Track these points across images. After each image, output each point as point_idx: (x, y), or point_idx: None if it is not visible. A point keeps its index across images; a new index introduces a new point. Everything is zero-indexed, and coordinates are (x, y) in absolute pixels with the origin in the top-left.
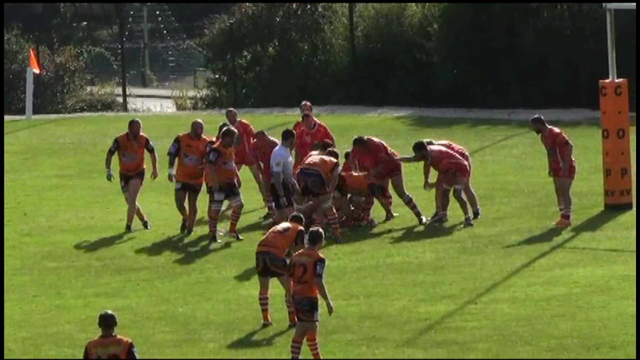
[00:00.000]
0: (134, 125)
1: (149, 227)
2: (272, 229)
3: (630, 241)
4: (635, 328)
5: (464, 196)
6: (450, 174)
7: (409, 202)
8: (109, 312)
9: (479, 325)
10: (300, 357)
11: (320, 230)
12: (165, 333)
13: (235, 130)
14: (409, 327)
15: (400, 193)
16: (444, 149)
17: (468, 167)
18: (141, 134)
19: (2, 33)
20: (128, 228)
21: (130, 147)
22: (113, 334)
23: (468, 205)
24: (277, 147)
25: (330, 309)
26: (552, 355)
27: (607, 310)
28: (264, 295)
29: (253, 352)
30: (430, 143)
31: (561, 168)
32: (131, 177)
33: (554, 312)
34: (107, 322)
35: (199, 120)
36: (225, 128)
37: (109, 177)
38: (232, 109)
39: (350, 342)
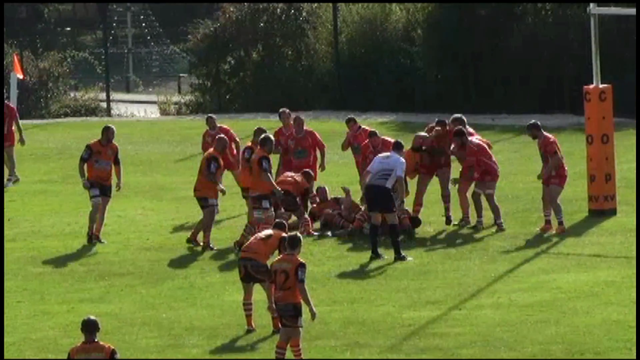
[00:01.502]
0: (109, 131)
1: (102, 241)
2: (255, 235)
3: (614, 247)
4: (636, 331)
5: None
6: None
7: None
8: (92, 317)
9: (463, 331)
10: None
11: (299, 234)
12: (149, 338)
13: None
14: (393, 333)
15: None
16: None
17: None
18: (113, 142)
19: (2, 34)
20: (96, 238)
21: (103, 153)
22: (96, 340)
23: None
24: (397, 155)
25: (313, 315)
26: None
27: (591, 316)
28: (248, 301)
29: (237, 357)
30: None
31: (551, 176)
32: (105, 188)
33: (538, 318)
34: (89, 327)
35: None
36: (263, 135)
37: (86, 186)
38: (212, 115)
39: (334, 347)
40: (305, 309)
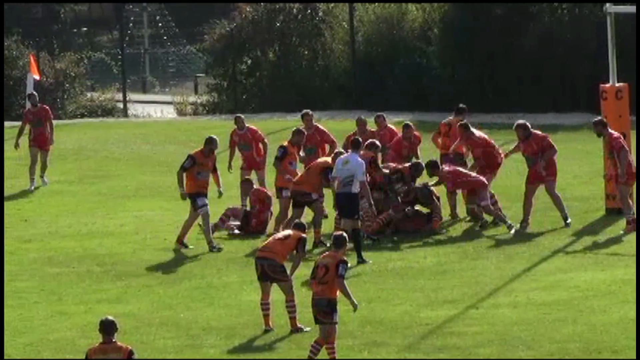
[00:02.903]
0: (213, 143)
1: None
2: (273, 235)
3: (631, 245)
4: (636, 331)
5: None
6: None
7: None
8: (110, 318)
9: (481, 330)
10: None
11: (344, 234)
12: (167, 339)
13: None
14: (411, 332)
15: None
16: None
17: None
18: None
19: (2, 34)
20: (182, 243)
21: (205, 165)
22: (113, 340)
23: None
24: (356, 157)
25: (354, 307)
26: (554, 359)
27: (608, 314)
28: (266, 301)
29: (254, 357)
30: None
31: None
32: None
33: (555, 317)
34: (107, 328)
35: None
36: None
37: (185, 197)
38: (240, 115)
39: (352, 347)
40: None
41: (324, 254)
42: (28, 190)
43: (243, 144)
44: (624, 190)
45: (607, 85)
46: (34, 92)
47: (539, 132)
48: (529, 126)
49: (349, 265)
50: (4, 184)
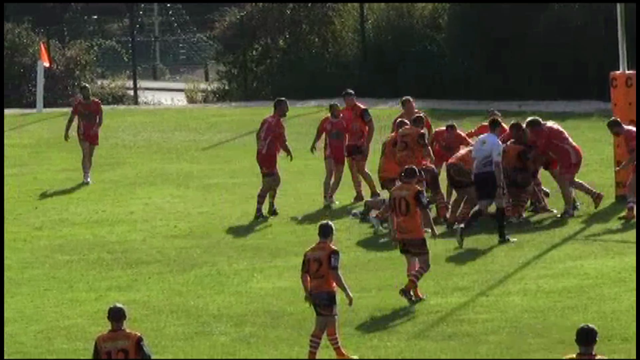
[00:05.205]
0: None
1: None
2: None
3: None
4: (636, 321)
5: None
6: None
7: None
8: (118, 305)
9: (491, 318)
10: (317, 354)
11: (330, 222)
12: (177, 326)
13: None
14: (421, 320)
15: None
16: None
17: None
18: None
19: (2, 32)
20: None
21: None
22: (122, 328)
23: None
24: (494, 137)
25: (350, 300)
26: (564, 347)
27: (618, 302)
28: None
29: (265, 345)
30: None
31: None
32: None
33: (565, 304)
34: (116, 315)
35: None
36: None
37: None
38: (336, 103)
39: (362, 334)
40: (339, 296)
41: (312, 247)
42: (84, 183)
43: (335, 132)
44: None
45: (617, 72)
46: (87, 85)
47: (631, 129)
48: (618, 123)
49: (340, 255)
50: (3, 181)
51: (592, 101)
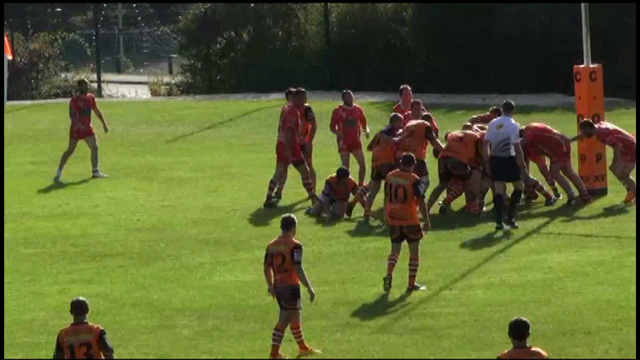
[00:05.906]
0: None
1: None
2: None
3: (605, 226)
4: (636, 321)
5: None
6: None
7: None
8: (80, 298)
9: (454, 311)
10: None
11: (293, 215)
12: (140, 319)
13: None
14: (384, 313)
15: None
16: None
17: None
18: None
19: (2, 29)
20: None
21: None
22: (85, 321)
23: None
24: (509, 120)
25: (312, 295)
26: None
27: (582, 295)
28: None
29: (228, 338)
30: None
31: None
32: None
33: (529, 298)
34: (78, 308)
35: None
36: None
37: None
38: (349, 91)
39: (325, 328)
40: (303, 290)
41: (275, 241)
42: (57, 178)
43: (351, 120)
44: (627, 167)
45: (581, 66)
46: (85, 80)
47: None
48: (590, 124)
49: (303, 248)
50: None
51: (557, 94)
